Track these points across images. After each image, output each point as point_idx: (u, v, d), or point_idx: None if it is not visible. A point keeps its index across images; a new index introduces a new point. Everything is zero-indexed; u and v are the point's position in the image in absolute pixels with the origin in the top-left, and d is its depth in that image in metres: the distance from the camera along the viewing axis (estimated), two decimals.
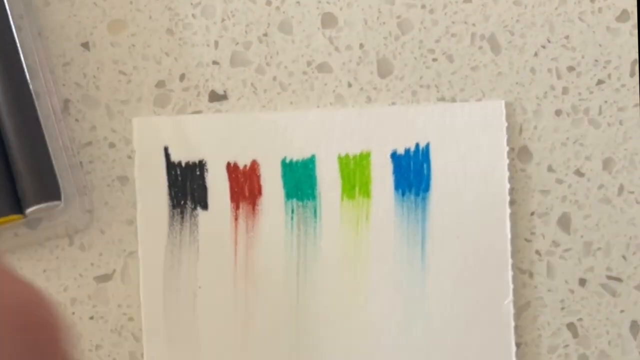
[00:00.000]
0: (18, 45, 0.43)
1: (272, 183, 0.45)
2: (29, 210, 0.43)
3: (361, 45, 0.46)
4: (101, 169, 0.45)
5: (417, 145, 0.46)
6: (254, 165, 0.45)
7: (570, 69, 0.46)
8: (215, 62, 0.46)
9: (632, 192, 0.46)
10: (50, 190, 0.43)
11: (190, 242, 0.45)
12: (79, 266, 0.45)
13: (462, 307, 0.45)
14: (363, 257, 0.45)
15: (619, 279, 0.46)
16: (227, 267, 0.45)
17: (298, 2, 0.46)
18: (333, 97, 0.46)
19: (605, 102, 0.46)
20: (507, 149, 0.45)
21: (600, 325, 0.46)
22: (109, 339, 0.45)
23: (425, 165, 0.46)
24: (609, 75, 0.46)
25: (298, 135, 0.45)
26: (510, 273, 0.45)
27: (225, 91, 0.46)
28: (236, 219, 0.45)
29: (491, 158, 0.45)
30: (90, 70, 0.46)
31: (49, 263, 0.45)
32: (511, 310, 0.45)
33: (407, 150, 0.46)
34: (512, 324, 0.45)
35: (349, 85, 0.46)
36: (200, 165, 0.45)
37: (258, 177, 0.45)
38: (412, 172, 0.46)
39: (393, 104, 0.46)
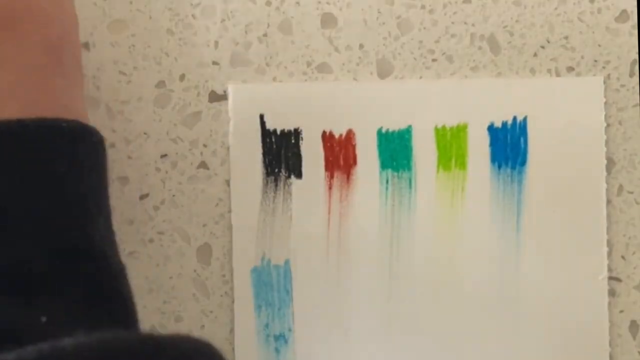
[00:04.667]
0: None
1: (367, 153, 0.45)
2: None
3: (361, 46, 0.46)
4: None
5: (515, 118, 0.45)
6: (350, 134, 0.45)
7: (570, 69, 0.46)
8: (215, 63, 0.46)
9: (631, 192, 0.46)
10: None
11: (284, 211, 0.45)
12: None
13: (556, 280, 0.45)
14: (457, 230, 0.45)
15: (618, 279, 0.46)
16: (320, 236, 0.45)
17: (298, 3, 0.46)
18: None
19: (605, 102, 0.46)
20: (604, 124, 0.45)
21: None
22: None
23: (522, 139, 0.45)
24: (609, 76, 0.46)
25: (395, 105, 0.45)
26: (605, 249, 0.45)
27: (225, 91, 0.46)
28: (330, 188, 0.45)
29: (588, 133, 0.45)
30: (90, 71, 0.46)
31: None
32: (606, 285, 0.45)
33: (505, 124, 0.45)
34: (607, 299, 0.45)
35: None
36: (296, 134, 0.45)
37: (353, 147, 0.45)
38: (509, 145, 0.45)
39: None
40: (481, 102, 0.45)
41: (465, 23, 0.46)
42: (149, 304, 0.45)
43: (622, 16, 0.46)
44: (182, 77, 0.46)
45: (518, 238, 0.45)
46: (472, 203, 0.45)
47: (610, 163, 0.46)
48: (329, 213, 0.45)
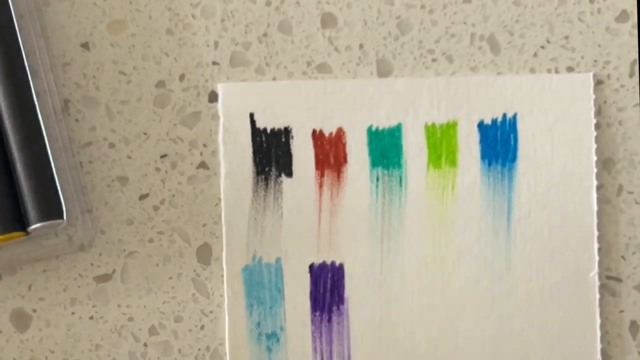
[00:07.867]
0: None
1: (357, 151, 0.45)
2: (31, 228, 0.43)
3: (361, 46, 0.46)
4: (101, 169, 0.45)
5: (505, 115, 0.46)
6: (340, 132, 0.46)
7: (570, 69, 0.46)
8: (215, 63, 0.46)
9: (631, 193, 0.46)
10: (53, 208, 0.43)
11: (274, 209, 0.45)
12: (79, 266, 0.45)
13: (547, 278, 0.45)
14: (448, 227, 0.45)
15: (618, 279, 0.46)
16: (311, 235, 0.45)
17: (298, 3, 0.46)
18: None
19: (605, 102, 0.46)
20: (594, 121, 0.45)
21: (600, 326, 0.46)
22: (109, 339, 0.45)
23: (512, 136, 0.46)
24: (608, 76, 0.46)
25: (385, 103, 0.45)
26: (596, 245, 0.45)
27: None
28: (321, 187, 0.45)
29: (578, 130, 0.45)
30: (90, 71, 0.46)
31: (49, 263, 0.45)
32: (596, 282, 0.45)
33: (494, 121, 0.46)
34: (597, 296, 0.45)
35: None
36: (286, 132, 0.45)
37: (344, 145, 0.45)
38: (499, 142, 0.46)
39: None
40: (471, 99, 0.46)
41: (465, 23, 0.46)
42: (149, 304, 0.45)
43: (622, 16, 0.46)
44: (181, 77, 0.46)
45: (508, 235, 0.45)
46: (463, 200, 0.45)
47: (610, 163, 0.46)
48: (320, 211, 0.45)
